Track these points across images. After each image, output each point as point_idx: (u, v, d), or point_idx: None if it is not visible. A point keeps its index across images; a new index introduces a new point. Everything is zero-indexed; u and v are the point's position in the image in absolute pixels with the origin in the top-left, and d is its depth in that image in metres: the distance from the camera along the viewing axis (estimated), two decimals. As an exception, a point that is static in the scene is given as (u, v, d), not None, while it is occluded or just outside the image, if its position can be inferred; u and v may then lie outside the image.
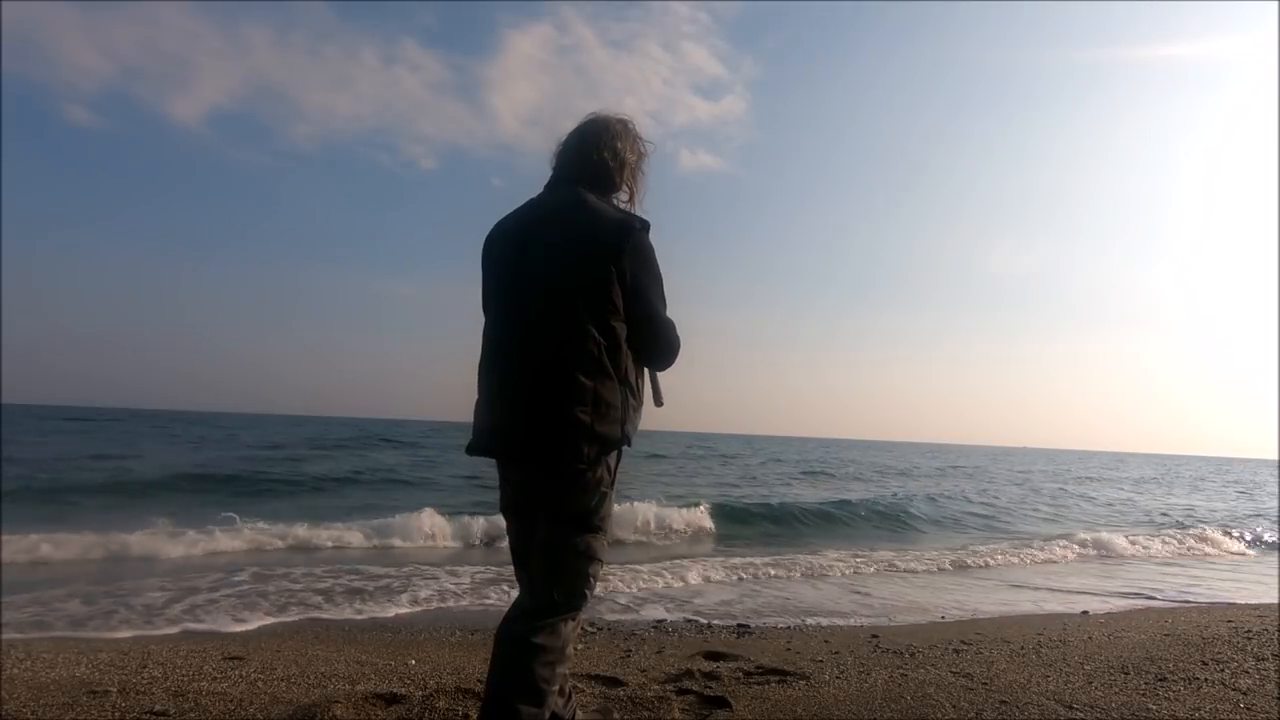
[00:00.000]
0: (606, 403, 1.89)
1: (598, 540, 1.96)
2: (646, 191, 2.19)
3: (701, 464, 27.63)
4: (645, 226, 1.97)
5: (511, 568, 2.13)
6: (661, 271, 2.01)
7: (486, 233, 2.11)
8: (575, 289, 1.88)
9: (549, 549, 1.94)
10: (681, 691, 2.97)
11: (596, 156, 2.05)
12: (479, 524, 9.07)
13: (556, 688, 1.89)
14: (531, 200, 2.10)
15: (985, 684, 3.21)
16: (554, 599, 1.90)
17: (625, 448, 2.00)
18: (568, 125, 2.22)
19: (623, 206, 2.11)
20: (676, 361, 2.10)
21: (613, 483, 1.99)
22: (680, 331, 2.06)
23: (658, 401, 2.09)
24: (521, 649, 1.84)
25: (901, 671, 3.43)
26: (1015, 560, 9.58)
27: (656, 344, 2.00)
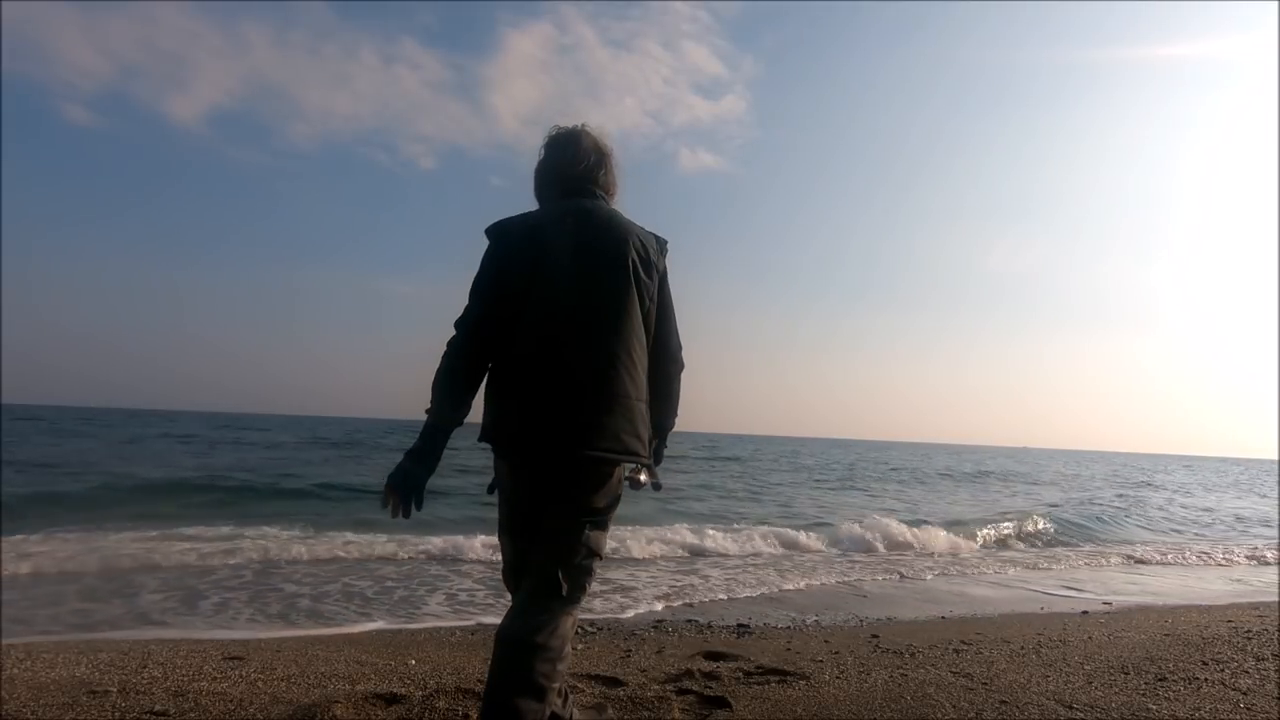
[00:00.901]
0: (647, 406, 2.05)
1: (602, 537, 2.04)
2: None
3: (722, 467, 27.32)
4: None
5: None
6: None
7: (488, 226, 2.05)
8: (629, 304, 2.00)
9: (558, 542, 1.97)
10: (681, 691, 2.97)
11: (606, 173, 2.17)
12: (483, 529, 9.03)
13: (557, 685, 1.90)
14: (560, 207, 2.08)
15: (985, 684, 3.21)
16: (559, 591, 1.92)
17: None
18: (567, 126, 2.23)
19: None
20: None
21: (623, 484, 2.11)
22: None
23: (656, 486, 2.20)
24: (522, 648, 1.85)
25: (901, 671, 3.43)
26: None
27: (679, 357, 2.18)
